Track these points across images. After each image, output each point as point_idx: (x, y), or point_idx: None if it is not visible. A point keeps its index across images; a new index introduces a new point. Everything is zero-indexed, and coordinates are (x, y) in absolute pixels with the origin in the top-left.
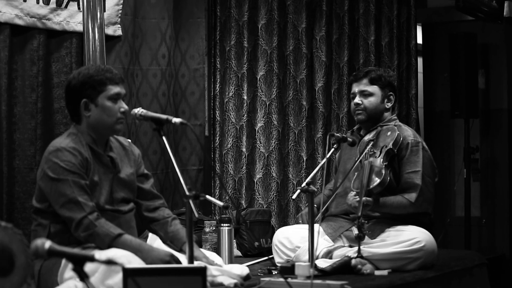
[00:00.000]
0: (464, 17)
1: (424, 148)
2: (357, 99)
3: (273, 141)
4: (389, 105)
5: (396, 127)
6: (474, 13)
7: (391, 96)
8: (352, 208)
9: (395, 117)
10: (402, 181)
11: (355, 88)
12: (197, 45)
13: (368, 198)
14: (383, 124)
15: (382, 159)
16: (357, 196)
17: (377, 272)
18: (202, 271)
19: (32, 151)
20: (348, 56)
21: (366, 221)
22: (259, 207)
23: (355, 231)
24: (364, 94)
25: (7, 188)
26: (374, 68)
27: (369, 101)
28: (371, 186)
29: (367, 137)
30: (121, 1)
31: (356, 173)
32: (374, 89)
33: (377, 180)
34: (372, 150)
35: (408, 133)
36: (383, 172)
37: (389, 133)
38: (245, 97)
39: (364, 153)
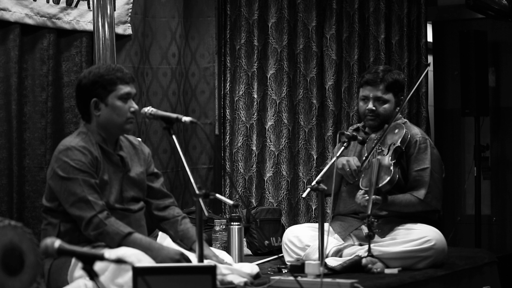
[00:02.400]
0: (475, 15)
1: (431, 145)
2: (371, 105)
3: (283, 139)
4: (398, 108)
5: (403, 126)
6: (484, 11)
7: (401, 101)
8: (362, 207)
9: (400, 115)
10: (411, 178)
11: (370, 93)
12: (207, 44)
13: (377, 197)
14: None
15: (390, 157)
16: (366, 195)
17: (387, 271)
18: (212, 269)
19: (42, 150)
20: (358, 54)
21: (375, 220)
22: (269, 205)
23: (364, 229)
24: (379, 100)
25: (17, 187)
26: (387, 71)
27: (384, 109)
28: (380, 185)
29: (374, 135)
30: (131, 0)
31: (364, 172)
32: (390, 96)
33: (386, 178)
34: (380, 148)
35: (416, 131)
36: (392, 170)
37: (396, 130)
38: (255, 96)
39: (372, 151)
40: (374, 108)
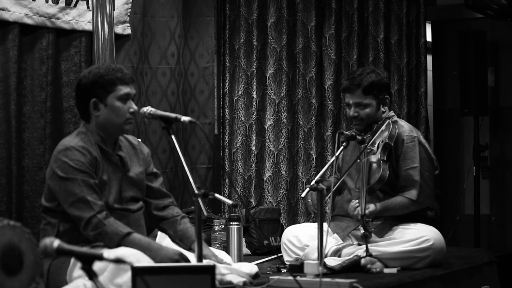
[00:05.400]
0: (474, 14)
1: (420, 143)
2: (353, 112)
3: (283, 139)
4: (385, 108)
5: (391, 123)
6: (483, 11)
7: (387, 99)
8: (354, 219)
9: (392, 113)
10: (401, 178)
11: (349, 100)
12: (206, 44)
13: (370, 208)
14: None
15: (380, 155)
16: (359, 208)
17: (386, 270)
18: (211, 269)
19: (41, 150)
20: (358, 54)
21: (370, 219)
22: (268, 205)
23: (362, 230)
24: (360, 106)
25: (17, 187)
26: (364, 73)
27: (366, 113)
28: (371, 184)
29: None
30: (130, 0)
31: (358, 173)
32: (369, 100)
33: (376, 177)
34: (369, 148)
35: (404, 128)
36: (382, 167)
37: (383, 127)
38: (255, 95)
39: (361, 152)
40: (356, 114)
